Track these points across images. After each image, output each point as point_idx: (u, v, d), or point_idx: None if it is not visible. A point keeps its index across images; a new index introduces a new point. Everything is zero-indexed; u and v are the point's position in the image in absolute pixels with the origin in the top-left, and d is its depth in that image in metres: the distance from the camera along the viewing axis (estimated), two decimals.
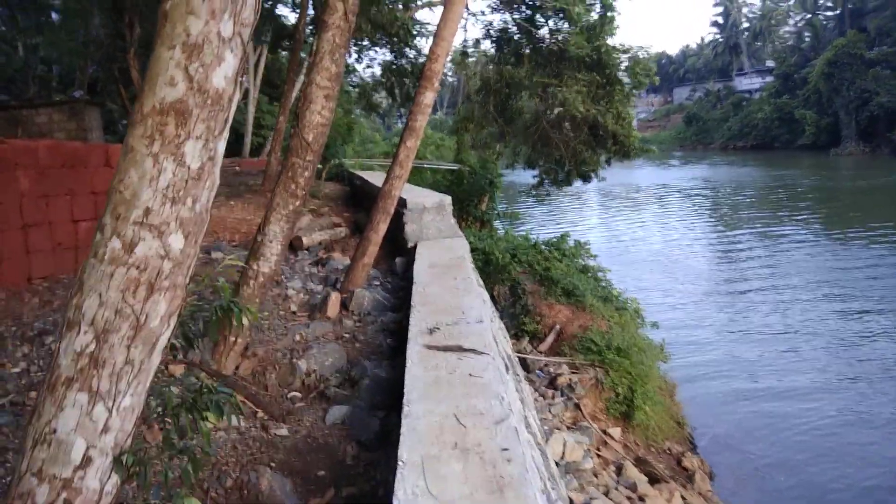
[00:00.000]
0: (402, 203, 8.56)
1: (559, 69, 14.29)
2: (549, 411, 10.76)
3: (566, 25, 13.49)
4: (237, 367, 4.36)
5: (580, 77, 13.65)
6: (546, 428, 10.24)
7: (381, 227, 6.42)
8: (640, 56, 14.13)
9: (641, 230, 31.83)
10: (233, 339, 4.31)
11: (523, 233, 19.58)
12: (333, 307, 5.55)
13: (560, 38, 13.74)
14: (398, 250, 8.81)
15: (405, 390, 3.35)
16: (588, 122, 14.22)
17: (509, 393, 3.63)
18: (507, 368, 4.55)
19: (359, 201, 13.70)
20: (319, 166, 19.81)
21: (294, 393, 4.28)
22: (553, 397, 11.15)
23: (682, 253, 26.81)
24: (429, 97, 6.16)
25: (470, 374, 3.57)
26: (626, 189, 45.66)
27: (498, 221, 21.43)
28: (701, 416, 13.77)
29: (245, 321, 4.49)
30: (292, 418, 3.92)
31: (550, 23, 13.78)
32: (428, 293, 5.48)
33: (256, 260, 4.26)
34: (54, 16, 19.30)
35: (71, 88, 20.07)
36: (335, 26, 3.96)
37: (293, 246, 9.10)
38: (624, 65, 13.91)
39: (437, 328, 4.55)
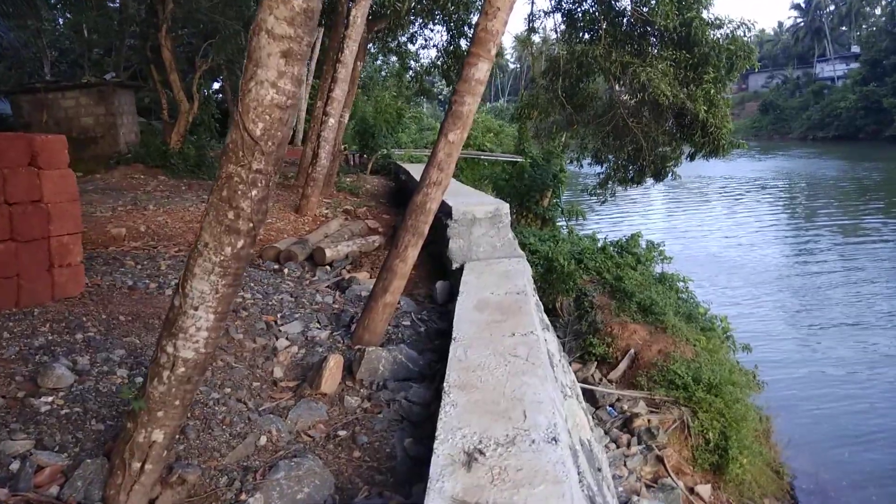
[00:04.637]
0: (446, 211, 6.73)
1: (641, 46, 12.11)
2: (625, 465, 8.78)
3: None
4: None
5: (666, 55, 11.46)
6: (621, 490, 8.31)
7: (411, 255, 4.59)
8: (739, 34, 11.78)
9: (713, 227, 29.21)
10: (138, 464, 2.57)
11: (589, 233, 17.57)
12: (332, 378, 3.78)
13: (644, 9, 11.55)
14: (442, 269, 7.01)
15: None
16: (674, 109, 12.01)
17: None
18: None
19: (403, 200, 11.92)
20: (363, 155, 18.21)
21: None
22: (629, 445, 9.16)
23: (757, 253, 24.26)
24: (482, 69, 4.26)
25: None
26: (695, 181, 42.09)
27: (561, 219, 19.41)
28: (800, 458, 11.63)
29: (159, 435, 2.77)
30: None
31: None
32: (471, 363, 3.63)
33: (173, 338, 2.49)
34: None
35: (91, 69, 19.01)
36: None
37: (314, 260, 7.39)
38: (718, 42, 11.59)
39: (481, 452, 2.71)
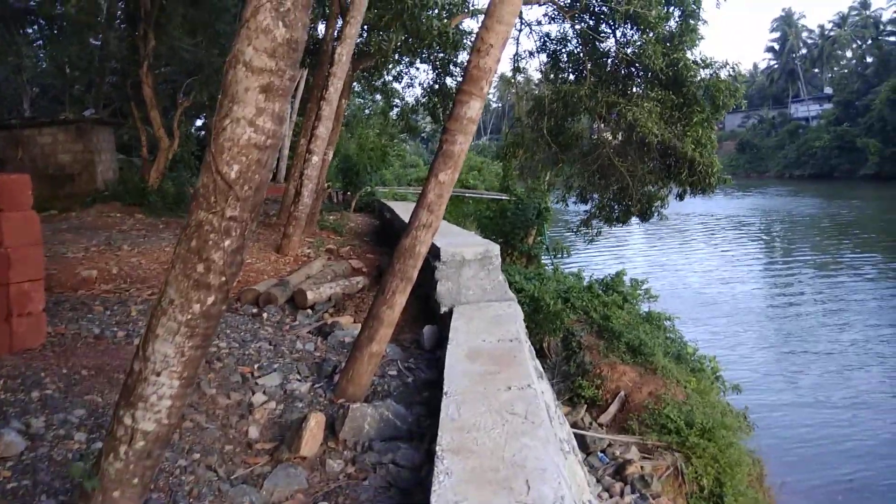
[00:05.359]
0: (433, 252, 6.48)
1: (626, 86, 12.13)
2: None
3: (637, 35, 11.34)
4: None
5: (653, 95, 11.47)
6: None
7: (398, 301, 4.32)
8: (724, 75, 11.85)
9: (692, 263, 29.37)
10: None
11: (570, 269, 17.40)
12: (312, 439, 3.46)
13: (629, 50, 11.58)
14: (429, 312, 6.73)
15: None
16: (660, 148, 11.98)
17: None
18: None
19: (387, 238, 11.69)
20: (347, 192, 17.97)
21: None
22: (622, 494, 8.82)
23: (738, 289, 24.39)
24: (474, 108, 4.07)
25: None
26: (674, 217, 42.52)
27: (546, 256, 19.26)
28: (794, 503, 11.38)
29: None
30: None
31: (618, 33, 11.66)
32: (465, 422, 3.34)
33: (131, 408, 2.18)
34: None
35: (74, 106, 18.75)
36: None
37: (294, 303, 7.08)
38: (705, 82, 11.64)
39: None
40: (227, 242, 2.08)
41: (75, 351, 4.35)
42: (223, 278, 2.12)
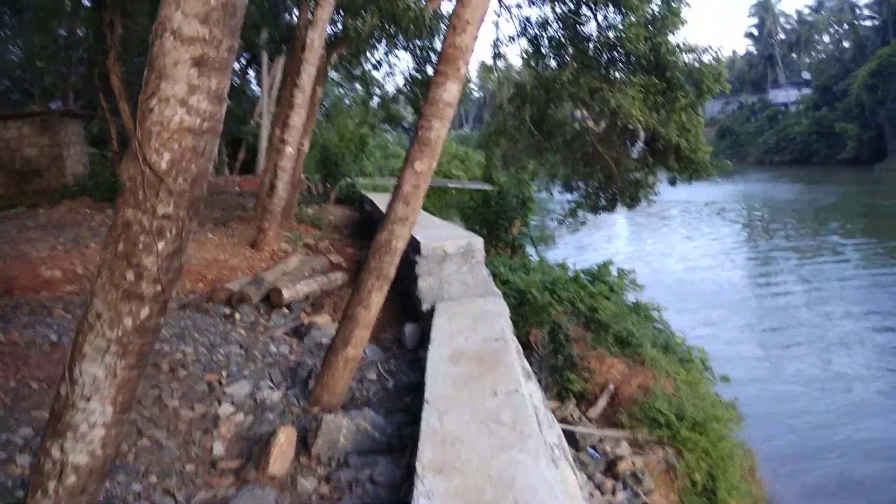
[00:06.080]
0: (413, 246, 6.18)
1: (609, 71, 11.86)
2: None
3: (619, 18, 11.06)
4: None
5: (635, 80, 11.20)
6: None
7: (375, 300, 4.02)
8: (708, 60, 11.60)
9: (675, 250, 29.27)
10: None
11: (553, 257, 17.21)
12: (282, 456, 3.16)
13: (611, 34, 11.31)
14: (410, 308, 6.43)
15: None
16: (645, 134, 11.75)
17: None
18: None
19: (368, 232, 11.35)
20: (326, 184, 17.60)
21: None
22: (614, 491, 8.59)
23: (721, 275, 24.33)
24: (452, 90, 3.76)
25: None
26: (656, 205, 42.64)
27: (530, 247, 19.04)
28: (787, 496, 11.28)
29: None
30: None
31: (600, 15, 11.36)
32: (448, 433, 3.05)
33: (59, 438, 1.87)
34: None
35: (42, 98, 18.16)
36: None
37: (270, 301, 6.74)
38: (688, 66, 11.39)
39: None
40: (160, 245, 1.76)
41: (27, 361, 4.00)
42: (158, 287, 1.80)
